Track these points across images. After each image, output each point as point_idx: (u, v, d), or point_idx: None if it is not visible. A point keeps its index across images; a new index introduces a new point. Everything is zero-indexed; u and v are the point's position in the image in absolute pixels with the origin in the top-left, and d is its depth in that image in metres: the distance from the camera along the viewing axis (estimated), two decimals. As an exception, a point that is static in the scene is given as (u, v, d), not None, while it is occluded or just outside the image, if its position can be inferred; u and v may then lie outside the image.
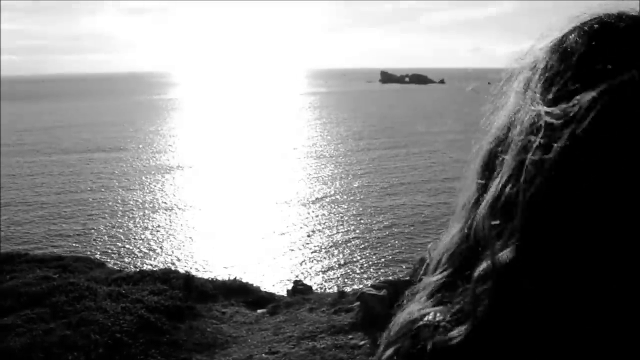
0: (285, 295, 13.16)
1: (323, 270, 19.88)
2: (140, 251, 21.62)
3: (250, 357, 8.79)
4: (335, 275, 19.29)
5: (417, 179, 32.51)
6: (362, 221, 25.15)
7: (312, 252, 21.63)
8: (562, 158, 0.50)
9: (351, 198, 29.39)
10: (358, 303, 9.78)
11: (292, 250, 22.00)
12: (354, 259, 20.68)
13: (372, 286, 10.18)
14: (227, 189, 31.81)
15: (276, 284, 17.70)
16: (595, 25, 0.55)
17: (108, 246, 21.99)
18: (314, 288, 14.79)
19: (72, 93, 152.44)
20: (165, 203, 29.16)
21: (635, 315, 0.47)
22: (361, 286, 13.96)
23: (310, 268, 20.11)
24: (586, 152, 0.49)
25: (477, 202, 0.59)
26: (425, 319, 0.57)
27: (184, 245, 22.48)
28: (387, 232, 23.24)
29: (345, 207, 27.72)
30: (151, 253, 21.47)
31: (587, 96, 0.50)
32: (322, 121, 69.13)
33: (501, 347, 0.52)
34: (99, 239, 22.80)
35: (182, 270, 14.22)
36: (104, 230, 23.97)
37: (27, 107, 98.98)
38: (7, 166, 37.50)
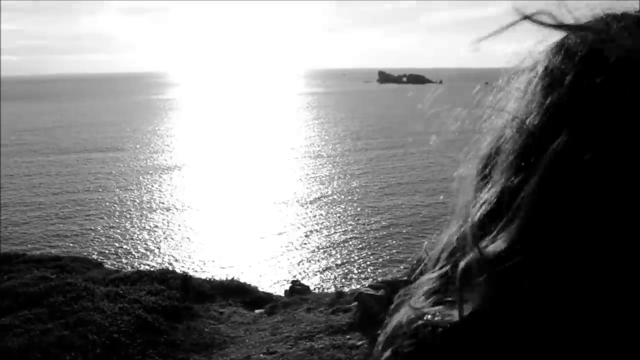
0: (283, 295, 13.17)
1: (321, 270, 19.88)
2: (138, 251, 21.60)
3: (248, 357, 8.79)
4: (333, 276, 19.30)
5: (414, 179, 32.54)
6: (359, 221, 25.16)
7: (309, 252, 21.63)
8: (557, 158, 0.50)
9: (349, 198, 29.40)
10: (356, 303, 9.78)
11: (290, 250, 22.00)
12: (352, 259, 20.68)
13: (370, 286, 10.18)
14: (224, 189, 31.81)
15: (274, 284, 17.70)
16: (596, 26, 0.55)
17: (105, 246, 21.97)
18: (311, 288, 14.80)
19: (72, 93, 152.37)
20: (162, 203, 29.13)
21: (635, 315, 0.47)
22: (359, 286, 13.96)
23: (308, 268, 20.12)
24: (581, 153, 0.49)
25: (476, 201, 0.59)
26: (424, 318, 0.57)
27: (181, 246, 22.47)
28: (385, 232, 23.25)
29: (343, 207, 27.73)
30: (149, 253, 21.46)
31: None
32: (320, 121, 69.17)
33: (495, 343, 0.51)
34: (96, 239, 22.77)
35: (179, 271, 14.21)
36: (102, 231, 23.94)
37: (27, 107, 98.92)
38: (6, 166, 37.46)
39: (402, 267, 18.63)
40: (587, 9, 0.56)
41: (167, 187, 33.11)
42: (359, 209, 27.08)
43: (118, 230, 24.05)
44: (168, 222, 25.62)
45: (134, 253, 21.38)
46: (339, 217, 26.15)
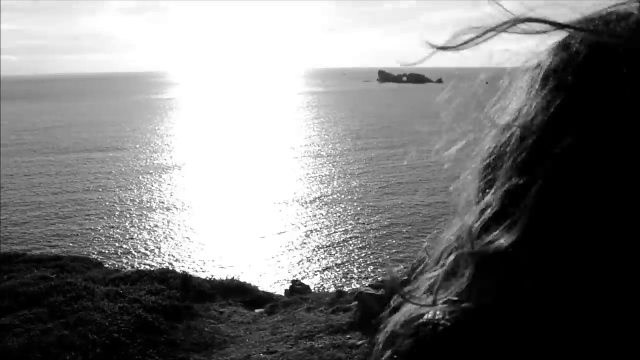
0: (283, 295, 13.17)
1: (321, 270, 19.88)
2: (138, 251, 21.61)
3: (249, 357, 8.79)
4: (334, 275, 19.30)
5: (415, 179, 32.52)
6: (360, 221, 25.16)
7: (310, 252, 21.63)
8: (561, 160, 0.50)
9: (349, 198, 29.40)
10: (356, 303, 9.78)
11: (290, 250, 22.00)
12: (352, 259, 20.69)
13: (370, 286, 10.18)
14: (225, 188, 31.81)
15: (274, 283, 17.71)
16: (600, 26, 0.54)
17: (106, 246, 21.97)
18: (312, 288, 14.80)
19: (72, 93, 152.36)
20: (163, 203, 29.14)
21: (635, 315, 0.47)
22: (359, 286, 13.96)
23: (308, 268, 20.12)
24: (585, 154, 0.49)
25: (479, 201, 0.59)
26: (425, 317, 0.57)
27: (181, 245, 22.47)
28: (385, 232, 23.25)
29: (343, 206, 27.73)
30: (149, 253, 21.46)
31: None
32: (320, 120, 69.17)
33: (495, 342, 0.51)
34: (96, 239, 22.78)
35: (179, 270, 14.21)
36: (102, 231, 23.94)
37: (27, 107, 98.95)
38: (6, 166, 37.47)
39: (402, 266, 18.63)
40: (592, 8, 0.56)
41: (167, 186, 33.11)
42: (359, 209, 27.08)
43: (118, 230, 24.06)
44: (168, 222, 25.62)
45: (134, 253, 21.38)
46: (339, 216, 26.15)
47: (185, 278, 11.96)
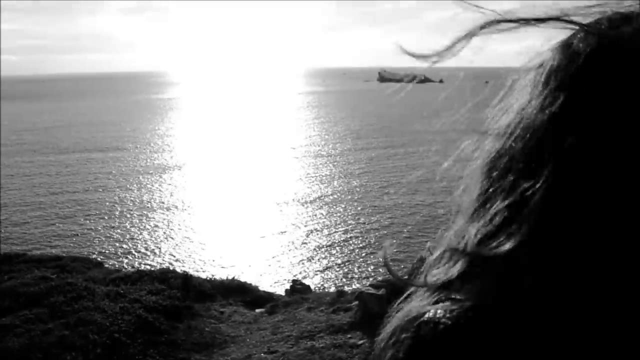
0: (284, 294, 13.16)
1: (321, 269, 19.88)
2: (138, 251, 21.60)
3: (249, 356, 8.79)
4: (334, 275, 19.30)
5: (414, 178, 32.45)
6: (360, 220, 25.15)
7: (310, 252, 21.63)
8: (565, 160, 0.50)
9: (349, 197, 29.40)
10: (357, 302, 9.77)
11: (291, 249, 22.00)
12: (353, 258, 20.68)
13: (371, 285, 10.17)
14: (225, 188, 31.80)
15: (274, 283, 17.70)
16: (603, 26, 0.54)
17: (106, 246, 21.97)
18: (312, 287, 14.79)
19: (72, 93, 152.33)
20: (163, 203, 29.14)
21: (635, 314, 0.47)
22: (360, 285, 13.97)
23: (309, 267, 20.12)
24: (588, 154, 0.49)
25: (482, 201, 0.59)
26: (426, 316, 0.57)
27: (181, 245, 22.47)
28: (386, 232, 23.23)
29: (344, 206, 27.73)
30: (149, 253, 21.46)
31: None
32: (320, 120, 69.17)
33: (495, 340, 0.51)
34: (96, 239, 22.77)
35: (180, 270, 14.20)
36: (102, 230, 23.94)
37: (27, 106, 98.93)
38: (6, 166, 37.46)
39: (402, 266, 18.62)
40: (597, 8, 0.56)
41: (168, 186, 33.10)
42: (359, 208, 27.08)
43: (118, 230, 24.06)
44: (168, 222, 25.62)
45: (134, 253, 21.38)
46: (340, 216, 26.14)
47: (186, 278, 11.96)
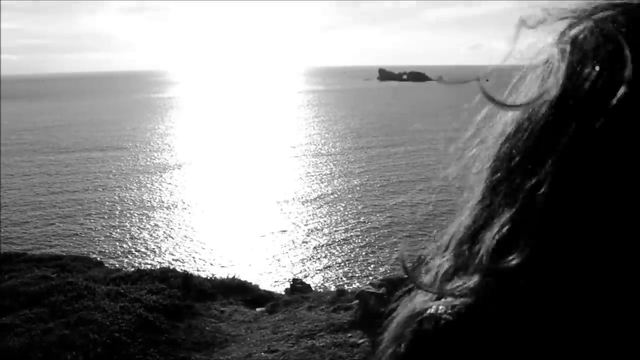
0: (284, 293, 13.17)
1: (322, 268, 19.90)
2: (139, 250, 21.63)
3: (249, 355, 8.79)
4: (334, 274, 19.32)
5: (416, 177, 32.55)
6: (361, 219, 25.18)
7: (310, 251, 21.65)
8: (569, 158, 0.50)
9: (350, 196, 29.42)
10: (357, 301, 9.78)
11: (291, 248, 22.03)
12: (353, 257, 20.70)
13: (371, 284, 10.18)
14: (225, 187, 31.85)
15: (275, 282, 17.73)
16: (607, 21, 0.53)
17: (106, 245, 21.99)
18: (312, 286, 14.82)
19: (72, 92, 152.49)
20: (163, 202, 29.17)
21: (635, 315, 0.47)
22: (360, 284, 13.98)
23: (309, 266, 20.14)
24: (593, 151, 0.49)
25: (485, 197, 0.58)
26: (428, 312, 0.57)
27: (182, 244, 22.49)
28: (386, 231, 23.26)
29: (344, 205, 27.75)
30: (149, 252, 21.48)
31: None
32: (320, 119, 69.22)
33: (495, 338, 0.52)
34: (97, 239, 22.80)
35: (180, 269, 14.21)
36: (102, 230, 23.97)
37: (27, 106, 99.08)
38: (6, 166, 37.51)
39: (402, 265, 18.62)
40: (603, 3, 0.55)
41: (168, 185, 33.13)
42: (360, 207, 27.10)
43: (118, 229, 24.08)
44: (168, 221, 25.64)
45: (134, 252, 21.40)
46: (340, 215, 26.17)
47: (186, 277, 11.98)
